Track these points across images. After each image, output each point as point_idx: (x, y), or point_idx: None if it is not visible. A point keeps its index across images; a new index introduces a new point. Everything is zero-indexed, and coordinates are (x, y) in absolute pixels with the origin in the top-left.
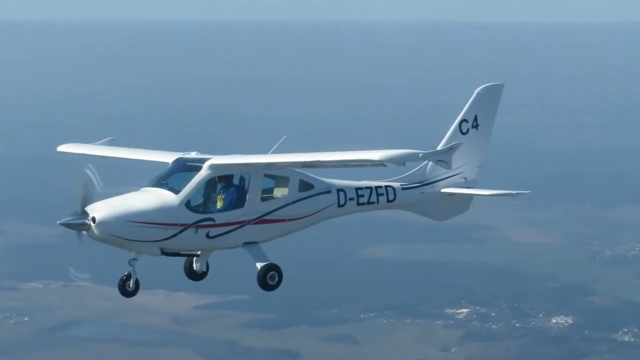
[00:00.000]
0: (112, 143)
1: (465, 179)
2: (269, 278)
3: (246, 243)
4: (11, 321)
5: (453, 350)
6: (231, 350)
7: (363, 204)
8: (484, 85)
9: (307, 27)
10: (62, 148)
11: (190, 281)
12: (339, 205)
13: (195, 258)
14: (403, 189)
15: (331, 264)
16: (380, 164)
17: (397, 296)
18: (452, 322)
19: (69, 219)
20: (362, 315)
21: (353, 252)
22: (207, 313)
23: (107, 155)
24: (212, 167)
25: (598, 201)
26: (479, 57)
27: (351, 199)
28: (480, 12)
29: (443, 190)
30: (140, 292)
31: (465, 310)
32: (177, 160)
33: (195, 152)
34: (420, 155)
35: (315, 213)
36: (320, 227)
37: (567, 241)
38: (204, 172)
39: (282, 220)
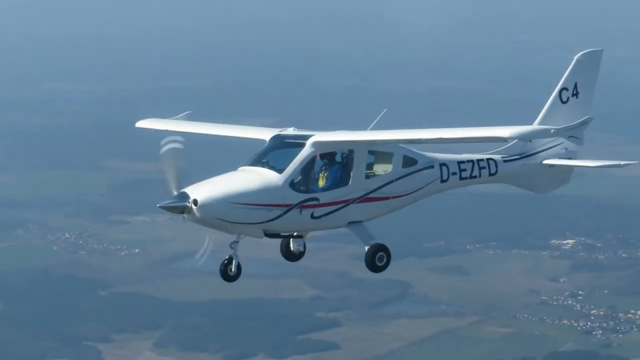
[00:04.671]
0: (190, 117)
1: (567, 149)
2: (378, 259)
3: (351, 222)
4: (122, 253)
5: (562, 280)
6: (343, 281)
7: (465, 178)
8: (583, 52)
9: None
10: (141, 124)
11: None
12: (442, 181)
13: (292, 238)
14: (504, 161)
15: (436, 197)
16: (503, 140)
17: (502, 228)
18: (558, 252)
19: (169, 201)
20: (469, 247)
21: None
22: (316, 245)
23: (195, 132)
24: (316, 144)
25: None
26: None
27: (454, 173)
28: None
29: (545, 161)
30: None
31: (570, 241)
32: (275, 137)
33: (293, 127)
34: (552, 131)
35: (419, 189)
36: None
37: None
38: (307, 150)
39: (387, 198)
